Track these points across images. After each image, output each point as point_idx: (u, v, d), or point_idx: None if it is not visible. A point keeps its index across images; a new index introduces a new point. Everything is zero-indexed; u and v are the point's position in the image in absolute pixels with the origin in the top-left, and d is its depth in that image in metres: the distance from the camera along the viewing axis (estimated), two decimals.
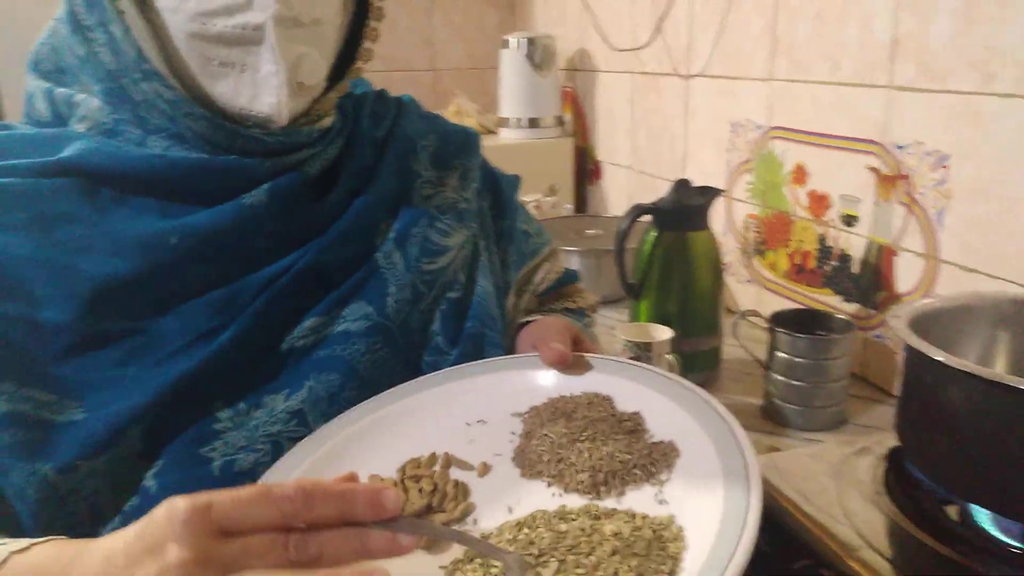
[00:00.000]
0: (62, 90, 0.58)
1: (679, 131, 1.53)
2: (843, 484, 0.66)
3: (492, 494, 0.49)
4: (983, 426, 0.56)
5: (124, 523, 0.50)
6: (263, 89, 0.55)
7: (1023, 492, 0.55)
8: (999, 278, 0.92)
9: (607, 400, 0.54)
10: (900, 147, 1.04)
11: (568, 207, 1.80)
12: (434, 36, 2.17)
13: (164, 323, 0.54)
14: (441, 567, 0.44)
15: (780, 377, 1.00)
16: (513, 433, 0.54)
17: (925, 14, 0.97)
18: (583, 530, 0.43)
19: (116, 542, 0.38)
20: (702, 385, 1.14)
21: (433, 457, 0.52)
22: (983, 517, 0.61)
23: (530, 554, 0.42)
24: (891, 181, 1.05)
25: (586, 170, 1.93)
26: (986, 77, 0.91)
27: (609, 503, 0.46)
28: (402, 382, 0.60)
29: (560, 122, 1.90)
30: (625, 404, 0.54)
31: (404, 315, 0.63)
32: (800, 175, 1.22)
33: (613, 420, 0.52)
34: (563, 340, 0.59)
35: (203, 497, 0.36)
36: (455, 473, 0.51)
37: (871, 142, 1.08)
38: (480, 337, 0.66)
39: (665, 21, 1.50)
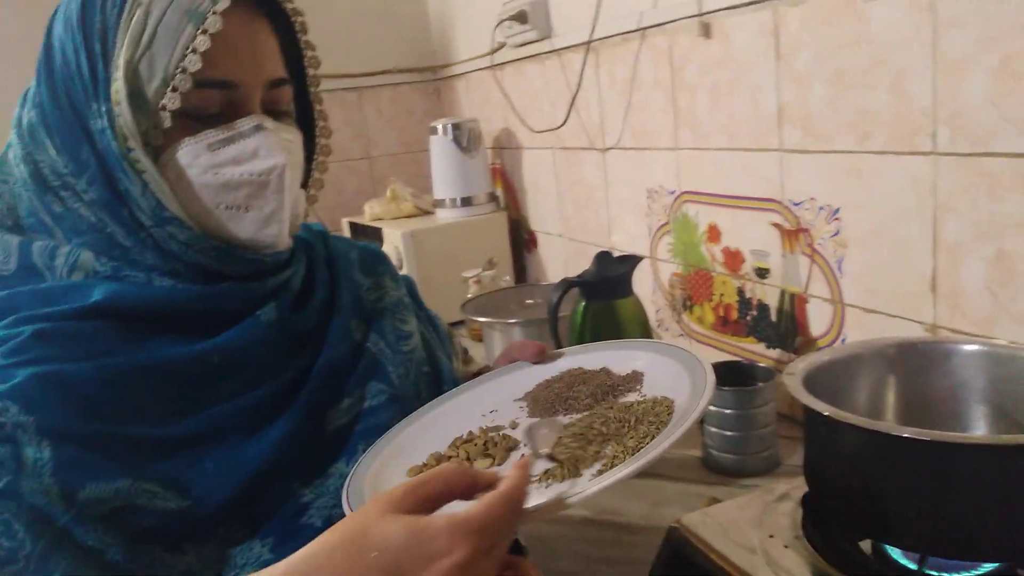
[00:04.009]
0: (41, 243, 0.63)
1: (601, 199, 1.62)
2: (764, 531, 0.72)
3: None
4: (872, 470, 0.62)
5: None
6: (267, 223, 0.66)
7: (915, 526, 0.62)
8: (898, 316, 1.00)
9: (578, 368, 0.76)
10: (796, 203, 1.13)
11: (507, 279, 1.86)
12: (366, 126, 2.26)
13: (224, 425, 0.63)
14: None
15: (714, 429, 1.06)
16: (520, 408, 0.73)
17: (803, 84, 1.08)
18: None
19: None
20: None
21: (471, 433, 0.69)
22: (893, 549, 0.67)
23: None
24: (793, 235, 1.14)
25: (522, 240, 2.01)
26: (861, 137, 1.01)
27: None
28: None
29: (492, 198, 1.98)
30: (593, 367, 0.75)
31: (405, 387, 0.77)
32: (714, 234, 1.30)
33: (589, 373, 0.74)
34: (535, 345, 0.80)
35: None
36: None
37: (771, 200, 1.17)
38: None
39: (577, 101, 1.60)
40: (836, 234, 1.07)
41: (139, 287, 0.63)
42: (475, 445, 0.66)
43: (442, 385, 0.82)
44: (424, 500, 0.46)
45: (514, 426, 0.70)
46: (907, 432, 0.59)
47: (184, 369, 0.62)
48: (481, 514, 0.44)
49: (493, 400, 0.75)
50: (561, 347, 1.19)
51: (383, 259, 0.89)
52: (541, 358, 0.79)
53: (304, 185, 0.76)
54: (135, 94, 0.60)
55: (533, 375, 0.78)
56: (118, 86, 0.60)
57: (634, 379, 0.72)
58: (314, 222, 0.86)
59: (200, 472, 0.60)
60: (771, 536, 0.71)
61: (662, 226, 1.44)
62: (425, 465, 0.65)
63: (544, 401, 0.71)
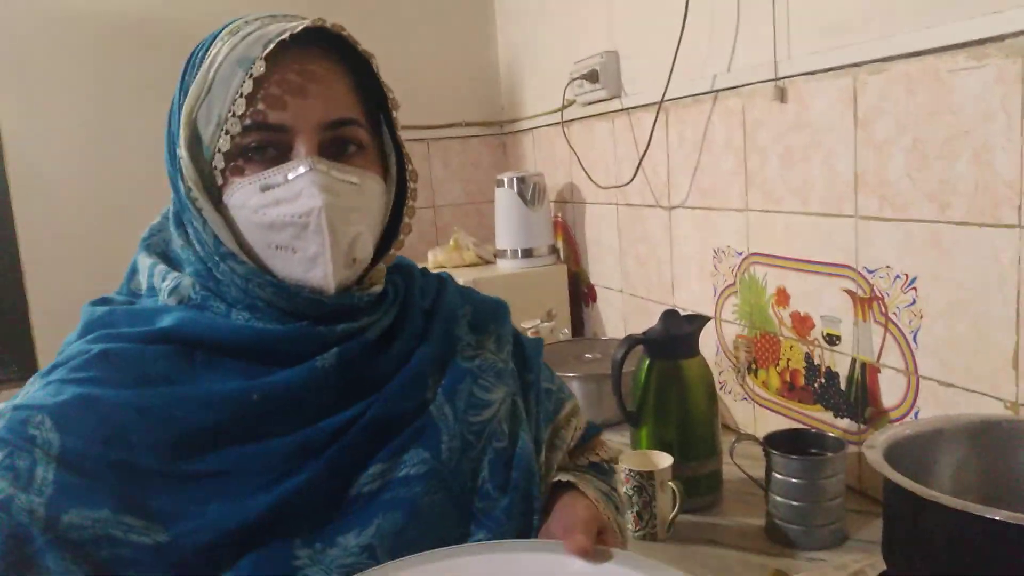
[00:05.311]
0: (161, 267, 0.71)
1: (665, 257, 1.62)
2: None
3: None
4: (958, 553, 0.60)
5: None
6: (313, 265, 0.65)
7: None
8: (975, 391, 0.97)
9: None
10: (871, 271, 1.11)
11: (566, 331, 1.86)
12: (432, 176, 2.31)
13: (244, 467, 0.62)
14: None
15: (779, 498, 1.03)
16: None
17: (882, 152, 1.07)
18: None
19: None
20: (705, 509, 1.17)
21: None
22: None
23: None
24: (867, 303, 1.12)
25: (580, 294, 2.01)
26: (941, 207, 0.99)
27: None
28: (455, 524, 0.68)
29: (553, 250, 1.99)
30: None
31: (456, 461, 0.70)
32: (782, 297, 1.29)
33: None
34: (589, 531, 0.66)
35: None
36: None
37: (844, 267, 1.15)
38: (526, 491, 0.73)
39: (645, 161, 1.61)
40: (912, 304, 1.05)
41: (207, 319, 0.67)
42: None
43: (511, 471, 0.73)
44: None
45: None
46: (999, 515, 0.57)
47: (222, 404, 0.63)
48: None
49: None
50: (625, 405, 1.18)
51: (500, 317, 0.84)
52: (584, 556, 0.63)
53: (393, 229, 0.75)
54: (194, 140, 0.66)
55: (571, 568, 0.63)
56: (183, 132, 0.65)
57: None
58: (442, 271, 0.86)
59: (198, 513, 0.60)
60: None
61: (728, 287, 1.42)
62: None
63: None
